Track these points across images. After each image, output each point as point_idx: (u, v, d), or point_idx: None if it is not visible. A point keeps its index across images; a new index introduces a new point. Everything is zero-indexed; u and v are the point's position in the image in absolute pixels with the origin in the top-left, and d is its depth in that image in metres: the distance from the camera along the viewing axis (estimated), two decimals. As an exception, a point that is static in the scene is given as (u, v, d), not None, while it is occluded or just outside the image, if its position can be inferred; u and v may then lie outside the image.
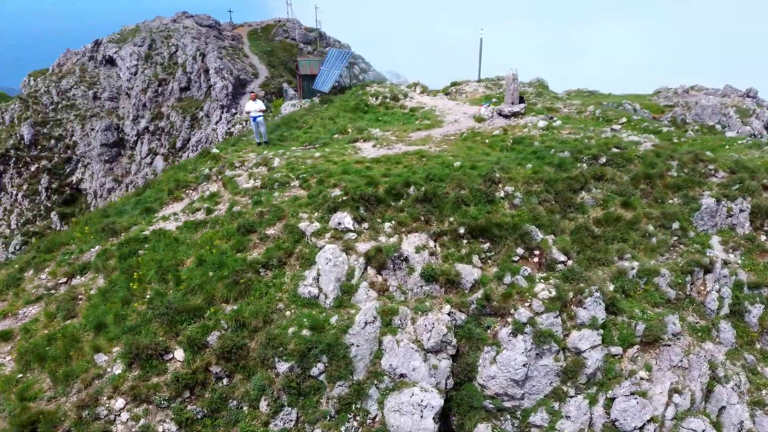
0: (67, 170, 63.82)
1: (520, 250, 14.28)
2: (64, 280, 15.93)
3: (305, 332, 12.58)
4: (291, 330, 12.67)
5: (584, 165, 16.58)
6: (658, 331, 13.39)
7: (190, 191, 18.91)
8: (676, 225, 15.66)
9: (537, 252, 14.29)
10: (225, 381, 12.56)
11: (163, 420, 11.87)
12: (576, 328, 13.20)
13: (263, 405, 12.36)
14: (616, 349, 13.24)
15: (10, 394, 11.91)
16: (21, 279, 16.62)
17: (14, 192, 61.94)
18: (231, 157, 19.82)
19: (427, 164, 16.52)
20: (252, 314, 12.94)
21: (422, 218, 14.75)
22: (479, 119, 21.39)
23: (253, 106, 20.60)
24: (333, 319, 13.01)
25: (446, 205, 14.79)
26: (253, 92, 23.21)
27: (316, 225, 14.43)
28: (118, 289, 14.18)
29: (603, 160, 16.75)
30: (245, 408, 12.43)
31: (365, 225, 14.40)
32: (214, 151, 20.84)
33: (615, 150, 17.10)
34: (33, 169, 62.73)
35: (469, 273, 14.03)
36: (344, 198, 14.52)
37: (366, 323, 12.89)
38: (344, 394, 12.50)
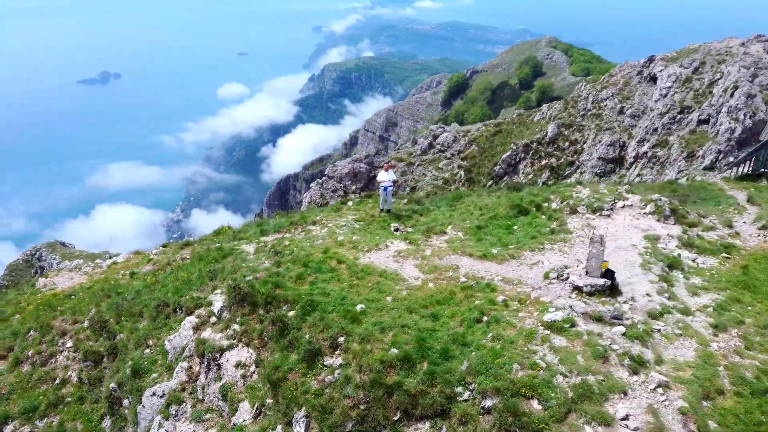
0: (566, 173, 67.32)
1: None
2: (193, 255, 22.79)
3: (128, 371, 15.42)
4: (130, 362, 15.72)
5: (459, 390, 10.90)
6: None
7: (298, 228, 22.10)
8: None
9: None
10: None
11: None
12: None
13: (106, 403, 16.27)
14: None
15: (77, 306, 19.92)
16: (191, 244, 24.63)
17: (522, 179, 69.77)
18: (339, 213, 21.71)
19: (352, 291, 14.50)
20: (137, 336, 16.55)
21: (265, 338, 14.01)
22: (546, 275, 14.79)
23: (384, 176, 21.20)
24: (153, 375, 15.19)
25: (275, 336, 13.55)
26: (386, 163, 23.25)
27: (217, 298, 16.02)
28: (157, 276, 20.02)
29: (488, 403, 10.44)
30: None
31: (228, 316, 15.03)
32: (349, 203, 22.81)
33: (533, 404, 10.21)
34: (543, 163, 69.97)
35: (240, 416, 13.02)
36: (232, 285, 15.35)
37: (154, 394, 14.56)
38: (131, 438, 14.96)
